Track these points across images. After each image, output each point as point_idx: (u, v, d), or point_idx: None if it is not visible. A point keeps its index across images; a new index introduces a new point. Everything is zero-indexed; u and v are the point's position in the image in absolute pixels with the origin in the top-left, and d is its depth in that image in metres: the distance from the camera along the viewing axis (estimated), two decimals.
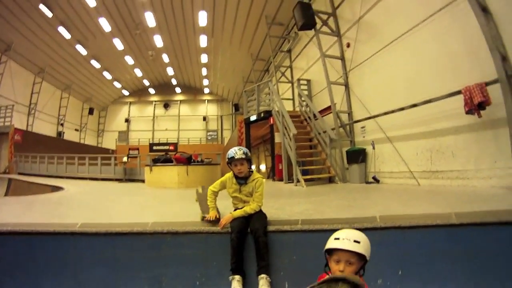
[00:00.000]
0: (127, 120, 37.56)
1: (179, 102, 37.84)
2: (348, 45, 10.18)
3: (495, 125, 5.38)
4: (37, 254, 3.36)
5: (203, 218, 3.53)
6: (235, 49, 23.01)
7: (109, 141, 35.87)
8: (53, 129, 28.58)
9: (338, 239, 1.98)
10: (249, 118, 13.00)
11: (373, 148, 8.69)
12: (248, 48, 21.64)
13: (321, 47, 10.25)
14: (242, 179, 3.46)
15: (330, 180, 9.56)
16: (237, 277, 3.01)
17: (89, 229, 3.46)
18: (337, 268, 1.95)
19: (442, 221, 3.07)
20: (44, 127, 26.54)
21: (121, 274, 3.26)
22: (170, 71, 31.39)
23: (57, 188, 10.25)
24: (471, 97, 5.48)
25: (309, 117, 11.44)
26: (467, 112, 5.64)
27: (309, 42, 13.22)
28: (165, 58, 27.71)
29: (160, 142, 33.40)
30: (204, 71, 30.49)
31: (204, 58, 26.69)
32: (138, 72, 31.20)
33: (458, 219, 3.04)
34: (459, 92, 5.76)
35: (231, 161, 3.37)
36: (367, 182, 8.57)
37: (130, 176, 15.67)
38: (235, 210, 3.47)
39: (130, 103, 38.09)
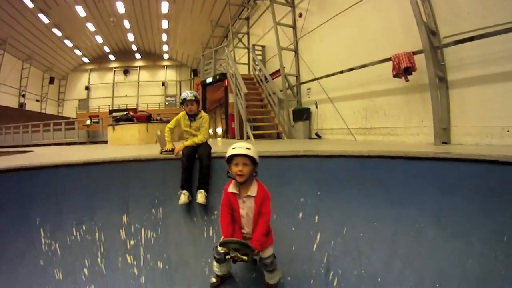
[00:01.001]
0: (87, 88, 35.31)
1: (138, 68, 36.08)
2: (300, 15, 10.37)
3: (423, 89, 5.80)
4: (25, 188, 3.69)
5: (161, 152, 4.15)
6: (195, 16, 22.17)
7: (70, 110, 33.84)
8: (14, 101, 26.92)
9: (235, 148, 2.48)
10: (205, 80, 13.02)
11: (316, 107, 9.14)
12: (208, 15, 20.92)
13: (275, 16, 10.39)
14: (192, 116, 4.05)
15: (278, 136, 10.04)
16: (185, 191, 3.63)
17: (70, 161, 3.97)
18: (237, 169, 2.45)
19: (354, 154, 3.47)
20: (6, 99, 25.01)
21: (96, 197, 3.78)
22: (130, 37, 29.71)
23: (27, 152, 10.13)
24: (399, 63, 5.89)
25: (261, 80, 11.63)
26: (395, 76, 6.07)
27: (266, 10, 13.20)
28: (126, 24, 26.14)
29: (120, 108, 32.13)
30: (164, 37, 29.20)
31: (164, 24, 25.55)
32: (99, 39, 29.26)
33: (369, 153, 3.42)
34: (390, 59, 6.14)
35: (184, 101, 3.95)
36: (310, 138, 9.09)
37: (93, 139, 15.75)
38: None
39: (90, 70, 35.70)
